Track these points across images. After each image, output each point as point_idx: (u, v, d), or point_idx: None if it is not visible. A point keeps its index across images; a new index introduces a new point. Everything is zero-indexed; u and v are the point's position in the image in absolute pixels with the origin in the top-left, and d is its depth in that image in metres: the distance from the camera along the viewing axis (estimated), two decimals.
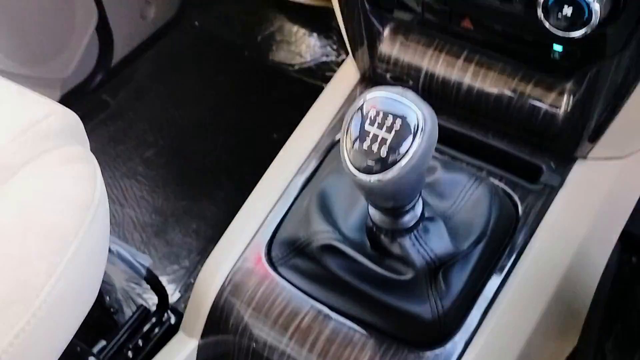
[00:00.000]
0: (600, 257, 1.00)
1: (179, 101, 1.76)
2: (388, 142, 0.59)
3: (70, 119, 0.90)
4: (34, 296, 0.73)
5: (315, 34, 1.86)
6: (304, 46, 1.85)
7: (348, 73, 1.10)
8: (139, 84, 1.81)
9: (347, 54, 1.09)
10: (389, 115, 0.60)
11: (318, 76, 1.80)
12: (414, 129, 0.59)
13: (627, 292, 1.31)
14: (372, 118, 0.60)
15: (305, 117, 1.11)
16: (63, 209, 0.78)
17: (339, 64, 1.80)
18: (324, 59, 1.82)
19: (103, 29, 1.75)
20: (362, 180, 0.61)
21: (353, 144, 0.61)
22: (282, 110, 1.72)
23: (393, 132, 0.59)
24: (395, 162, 0.59)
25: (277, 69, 1.84)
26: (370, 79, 1.06)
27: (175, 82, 1.82)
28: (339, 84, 1.11)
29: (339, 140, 1.01)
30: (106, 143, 1.65)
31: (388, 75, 1.02)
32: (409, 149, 0.59)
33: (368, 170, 0.60)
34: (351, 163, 0.62)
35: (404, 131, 0.59)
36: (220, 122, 1.72)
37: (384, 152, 0.59)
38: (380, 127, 0.60)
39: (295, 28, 1.88)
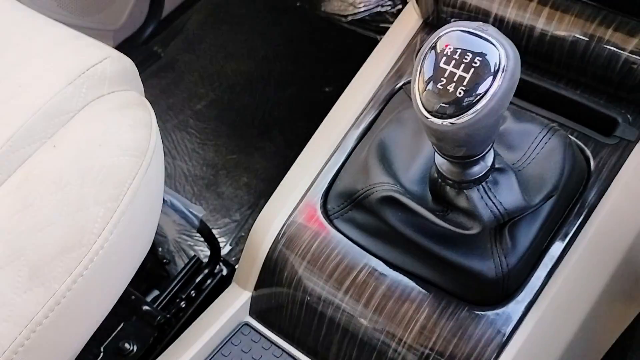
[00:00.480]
0: None
1: (229, 53, 1.74)
2: (465, 81, 0.54)
3: (125, 63, 0.88)
4: (92, 242, 0.72)
5: None
6: None
7: (409, 19, 1.05)
8: (189, 35, 1.79)
9: (404, 2, 1.03)
10: (467, 52, 0.55)
11: (372, 28, 1.73)
12: (495, 67, 0.54)
13: None
14: (449, 55, 0.55)
15: (363, 66, 1.06)
16: (120, 155, 0.77)
17: (394, 15, 1.73)
18: (379, 9, 1.76)
19: None
20: (434, 124, 0.57)
21: (426, 85, 0.56)
22: (335, 63, 1.68)
23: (472, 71, 0.54)
24: (471, 105, 0.55)
25: (329, 19, 1.78)
26: (433, 25, 1.00)
27: (226, 34, 1.79)
28: (400, 31, 1.05)
29: (399, 89, 0.96)
30: (157, 95, 1.65)
31: (453, 21, 0.95)
32: (488, 89, 0.54)
33: (441, 113, 0.56)
34: (423, 105, 0.57)
35: (483, 69, 0.54)
36: (272, 74, 1.68)
37: (460, 93, 0.55)
38: (457, 65, 0.55)
39: None
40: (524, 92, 0.93)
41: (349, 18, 1.77)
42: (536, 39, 0.88)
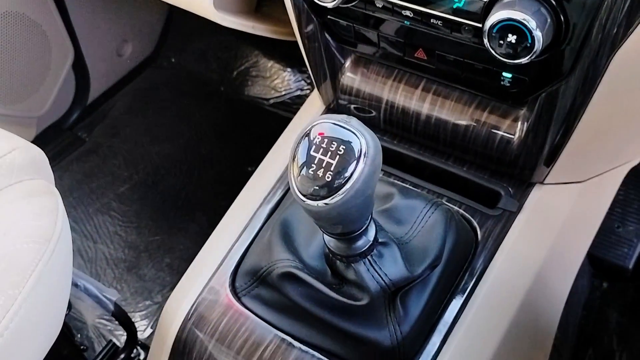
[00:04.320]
0: (563, 281, 1.01)
1: (154, 137, 1.78)
2: (333, 167, 0.61)
3: (34, 153, 0.91)
4: None
5: (289, 69, 1.89)
6: (279, 80, 1.88)
7: (313, 105, 1.13)
8: (114, 120, 1.83)
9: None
10: (334, 141, 0.61)
11: (293, 109, 1.82)
12: (358, 153, 0.61)
13: (598, 317, 1.32)
14: (318, 144, 0.62)
15: (271, 149, 1.13)
16: (22, 243, 0.78)
17: None
18: (298, 92, 1.86)
19: (79, 67, 1.77)
20: (309, 206, 0.62)
21: (300, 170, 0.62)
22: (258, 144, 1.73)
23: (337, 157, 0.61)
24: (340, 187, 0.61)
25: (252, 103, 1.87)
26: (334, 110, 1.08)
27: (151, 118, 1.83)
28: (305, 116, 1.13)
29: None
30: (81, 179, 1.66)
31: (352, 107, 1.04)
32: (352, 173, 0.60)
33: (315, 195, 0.62)
34: (298, 189, 0.63)
35: (348, 156, 0.61)
36: (196, 157, 1.73)
37: (328, 177, 0.61)
38: (325, 152, 0.61)
39: (270, 63, 1.92)
40: (417, 169, 1.01)
41: (271, 101, 1.86)
42: (423, 122, 0.96)
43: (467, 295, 0.87)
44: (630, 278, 1.35)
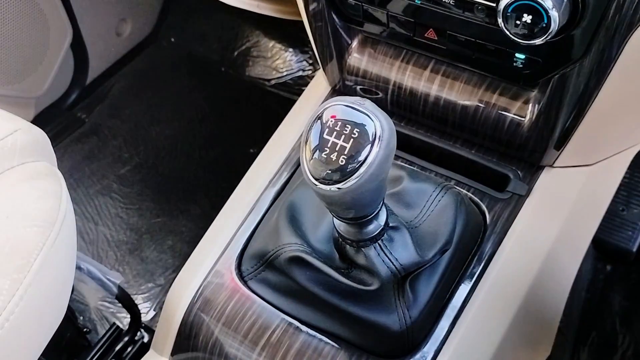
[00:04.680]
0: (570, 264, 1.00)
1: (154, 118, 1.76)
2: (346, 150, 0.59)
3: (36, 135, 0.89)
4: None
5: (291, 49, 1.87)
6: (280, 61, 1.86)
7: (319, 86, 1.11)
8: (114, 101, 1.81)
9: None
10: (347, 124, 0.60)
11: (294, 90, 1.81)
12: (372, 137, 0.59)
13: (601, 300, 1.32)
14: (331, 127, 0.60)
15: (276, 131, 1.11)
16: (27, 226, 0.77)
17: None
18: (300, 73, 1.83)
19: (78, 47, 1.75)
20: (322, 190, 0.61)
21: (312, 154, 0.61)
22: (259, 125, 1.73)
23: (351, 141, 0.59)
24: (354, 171, 0.59)
25: (253, 83, 1.85)
26: (340, 92, 1.06)
27: (151, 99, 1.81)
28: (310, 97, 1.11)
29: None
30: (81, 160, 1.64)
31: (358, 88, 1.02)
32: (367, 157, 0.59)
33: (327, 180, 0.60)
34: (311, 173, 0.62)
35: (362, 139, 0.59)
36: (197, 137, 1.71)
37: (342, 161, 0.59)
38: (338, 136, 0.60)
39: (271, 43, 1.89)
40: (425, 152, 1.00)
41: (273, 82, 1.84)
42: (432, 104, 0.95)
43: (475, 280, 0.86)
44: (633, 261, 1.35)
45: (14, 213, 0.78)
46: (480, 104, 0.91)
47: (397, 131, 0.62)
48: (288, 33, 1.86)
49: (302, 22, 1.02)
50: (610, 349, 1.26)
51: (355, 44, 0.99)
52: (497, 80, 0.91)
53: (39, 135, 0.89)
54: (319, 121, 0.61)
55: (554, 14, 0.68)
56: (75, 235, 0.88)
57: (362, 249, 0.73)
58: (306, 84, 1.83)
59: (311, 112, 1.06)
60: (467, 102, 0.92)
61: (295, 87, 1.82)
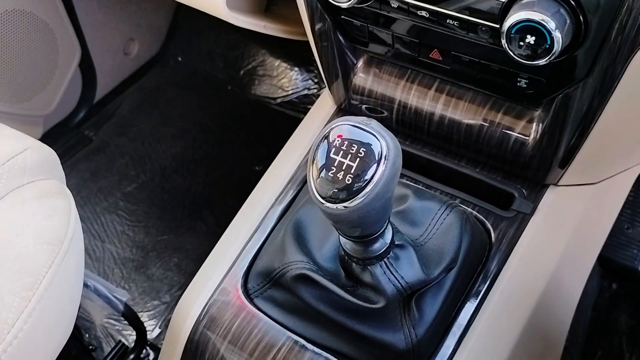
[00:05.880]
0: (575, 283, 1.00)
1: (161, 136, 1.78)
2: (353, 169, 0.60)
3: (46, 153, 0.90)
4: (5, 332, 0.72)
5: (296, 68, 1.89)
6: (286, 80, 1.88)
7: (325, 105, 1.12)
8: (121, 119, 1.83)
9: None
10: (354, 143, 0.61)
11: (300, 109, 1.82)
12: (378, 156, 0.60)
13: (607, 318, 1.32)
14: (338, 146, 0.61)
15: (283, 148, 1.12)
16: (36, 244, 0.78)
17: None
18: (306, 91, 1.85)
19: (86, 66, 1.77)
20: (329, 208, 0.62)
21: (319, 173, 0.62)
22: (264, 143, 1.74)
23: (357, 160, 0.60)
24: (360, 190, 0.60)
25: (259, 102, 1.86)
26: (345, 110, 1.07)
27: (158, 117, 1.83)
28: (316, 116, 1.12)
29: None
30: (88, 178, 1.66)
31: (363, 107, 1.03)
32: (373, 176, 0.60)
33: (334, 198, 0.61)
34: (317, 192, 0.62)
35: (368, 159, 0.60)
36: (203, 155, 1.73)
37: (349, 180, 0.60)
38: (345, 155, 0.61)
39: (277, 62, 1.91)
40: (430, 170, 1.01)
41: (278, 100, 1.86)
42: (436, 123, 0.96)
43: (481, 298, 0.86)
44: (639, 279, 1.35)
45: (24, 231, 0.79)
46: (484, 123, 0.92)
47: (402, 150, 0.63)
48: (294, 52, 1.88)
49: (307, 41, 1.04)
50: None
51: (360, 63, 1.01)
52: (501, 99, 0.92)
53: (49, 154, 0.91)
54: (325, 140, 0.62)
55: (557, 35, 0.70)
56: (83, 252, 0.88)
57: (368, 267, 0.73)
58: (311, 103, 1.85)
59: (317, 131, 1.09)
60: (471, 121, 0.93)
61: (301, 105, 1.83)
